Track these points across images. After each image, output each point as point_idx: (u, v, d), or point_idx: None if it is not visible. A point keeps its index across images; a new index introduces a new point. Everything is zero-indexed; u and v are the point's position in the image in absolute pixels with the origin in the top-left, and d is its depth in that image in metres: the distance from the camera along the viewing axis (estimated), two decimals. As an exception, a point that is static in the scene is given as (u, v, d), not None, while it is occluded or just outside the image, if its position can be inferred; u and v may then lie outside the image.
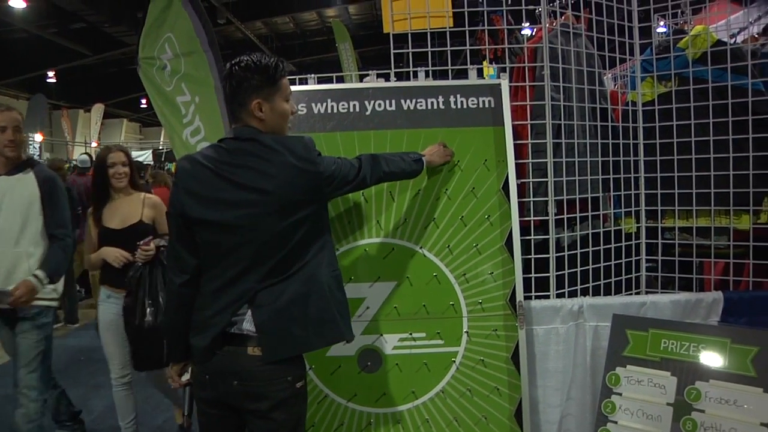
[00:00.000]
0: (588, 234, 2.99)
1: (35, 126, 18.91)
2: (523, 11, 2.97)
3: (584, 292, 2.95)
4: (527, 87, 2.95)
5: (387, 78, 2.90)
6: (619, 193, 3.09)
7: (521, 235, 2.74)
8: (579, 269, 2.95)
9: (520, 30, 3.23)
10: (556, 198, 2.90)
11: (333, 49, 14.41)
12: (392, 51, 2.97)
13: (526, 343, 2.71)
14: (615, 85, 3.98)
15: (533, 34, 3.31)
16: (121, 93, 21.87)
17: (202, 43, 3.66)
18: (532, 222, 2.88)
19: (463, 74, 2.90)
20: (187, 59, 3.72)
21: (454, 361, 2.72)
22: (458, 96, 2.77)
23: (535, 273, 2.85)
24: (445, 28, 2.93)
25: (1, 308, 2.97)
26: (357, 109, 2.75)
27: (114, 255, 3.26)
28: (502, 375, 2.71)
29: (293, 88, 2.20)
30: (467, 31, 2.95)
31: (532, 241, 2.86)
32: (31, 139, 18.60)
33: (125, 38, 16.86)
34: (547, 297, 2.87)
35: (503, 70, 2.91)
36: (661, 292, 3.08)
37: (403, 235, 2.72)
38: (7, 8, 13.64)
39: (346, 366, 2.70)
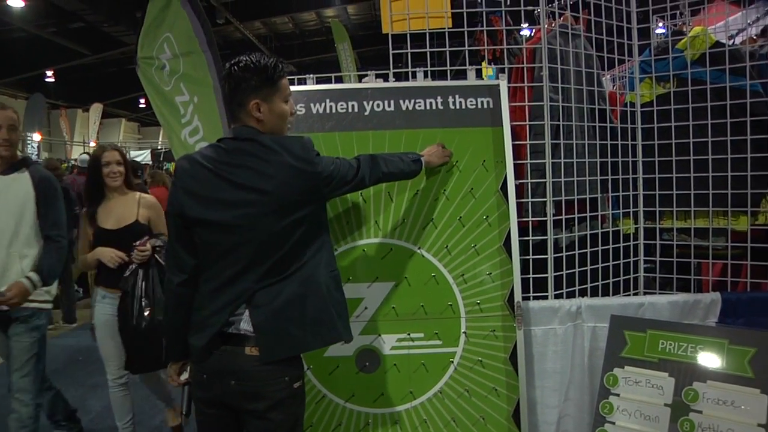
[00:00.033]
0: (586, 235, 2.99)
1: (33, 125, 18.89)
2: (522, 12, 2.97)
3: (582, 293, 2.95)
4: (526, 88, 2.95)
5: (386, 78, 2.90)
6: (617, 194, 3.09)
7: (520, 236, 2.74)
8: (577, 270, 2.95)
9: (518, 31, 3.23)
10: (555, 199, 2.90)
11: (332, 50, 14.42)
12: (391, 51, 2.97)
13: (524, 344, 2.71)
14: (614, 86, 3.99)
15: (532, 34, 3.31)
16: (119, 93, 21.85)
17: (201, 43, 3.66)
18: (530, 222, 2.88)
19: (461, 75, 2.90)
20: (186, 59, 3.72)
21: (452, 362, 2.72)
22: (457, 96, 2.77)
23: (533, 274, 2.86)
24: (444, 28, 2.93)
25: None
26: (356, 110, 2.75)
27: (109, 255, 3.23)
28: (500, 375, 2.71)
29: (292, 88, 2.20)
30: (466, 32, 2.95)
31: (531, 241, 2.86)
32: (29, 138, 18.58)
33: (124, 38, 16.85)
34: (546, 298, 2.87)
35: (502, 70, 2.91)
36: (659, 293, 3.08)
37: (402, 235, 2.72)
38: (6, 7, 13.63)
39: (344, 366, 2.70)
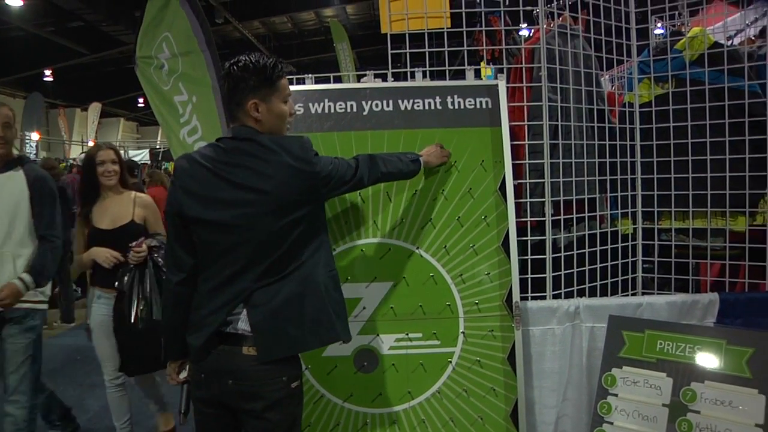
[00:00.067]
0: (585, 235, 2.99)
1: (32, 125, 18.87)
2: (521, 12, 2.98)
3: (581, 293, 2.96)
4: (524, 88, 2.95)
5: (384, 78, 2.90)
6: (615, 194, 3.10)
7: (518, 236, 2.74)
8: (575, 270, 2.95)
9: (517, 31, 3.24)
10: (553, 199, 2.90)
11: (331, 49, 14.43)
12: (390, 51, 2.97)
13: (522, 344, 2.71)
14: (612, 86, 3.99)
15: (531, 35, 3.31)
16: (118, 92, 21.86)
17: (200, 42, 3.66)
18: (528, 223, 2.88)
19: (460, 75, 2.90)
20: (185, 59, 3.72)
21: (451, 362, 2.72)
22: (455, 96, 2.77)
23: (531, 274, 2.86)
24: (443, 28, 2.93)
25: None
26: (354, 109, 2.75)
27: (104, 255, 3.19)
28: (498, 375, 2.71)
29: (290, 88, 2.19)
30: (465, 32, 2.95)
31: (529, 241, 2.87)
32: (27, 138, 18.55)
33: (123, 37, 16.86)
34: (544, 298, 2.87)
35: (500, 70, 2.91)
36: (658, 294, 3.08)
37: (400, 235, 2.72)
38: (5, 6, 13.64)
39: (342, 366, 2.70)
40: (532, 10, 2.98)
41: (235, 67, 2.03)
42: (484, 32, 3.08)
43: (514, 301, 2.70)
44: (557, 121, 2.92)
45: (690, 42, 3.03)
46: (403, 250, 2.72)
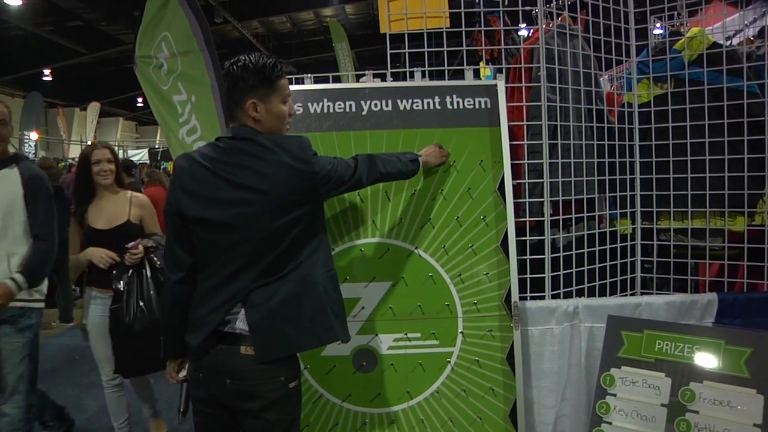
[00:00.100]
0: (583, 235, 2.99)
1: (31, 124, 18.86)
2: (520, 12, 2.98)
3: (579, 293, 2.96)
4: (523, 88, 2.95)
5: (383, 78, 2.89)
6: (614, 194, 3.10)
7: (517, 236, 2.74)
8: (574, 270, 2.95)
9: (516, 31, 3.24)
10: (552, 199, 2.90)
11: (330, 49, 14.43)
12: (389, 51, 2.97)
13: (521, 344, 2.71)
14: (611, 86, 3.99)
15: (530, 35, 3.31)
16: (117, 91, 21.85)
17: (199, 42, 3.66)
18: (527, 223, 2.88)
19: (459, 75, 2.90)
20: (184, 58, 3.71)
21: (449, 362, 2.72)
22: (454, 96, 2.77)
23: (530, 274, 2.86)
24: (442, 28, 2.93)
25: None
26: (353, 109, 2.75)
27: (100, 256, 3.15)
28: (497, 375, 2.71)
29: (290, 88, 2.19)
30: (464, 32, 2.95)
31: (528, 241, 2.87)
32: (26, 137, 18.54)
33: (122, 36, 16.85)
34: (543, 298, 2.87)
35: (500, 70, 2.91)
36: (656, 294, 3.09)
37: (399, 235, 2.72)
38: (3, 6, 13.63)
39: (341, 366, 2.70)
40: (531, 10, 2.98)
41: (234, 66, 2.03)
42: (483, 32, 3.08)
43: (512, 301, 2.70)
44: (556, 121, 2.92)
45: (689, 42, 3.04)
46: (402, 250, 2.72)
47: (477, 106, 2.77)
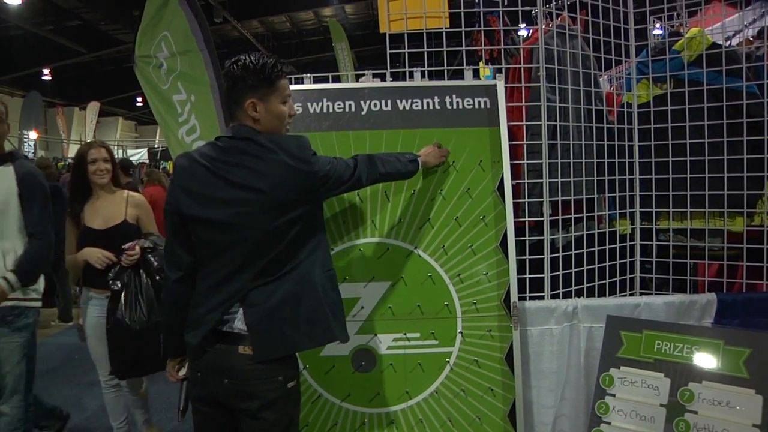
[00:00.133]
0: (583, 235, 2.99)
1: (30, 123, 18.85)
2: (520, 12, 2.98)
3: (578, 293, 2.96)
4: (523, 88, 2.95)
5: (383, 78, 2.89)
6: (614, 194, 3.10)
7: (516, 236, 2.74)
8: (573, 270, 2.95)
9: (516, 31, 3.24)
10: (551, 199, 2.90)
11: (329, 49, 14.43)
12: (388, 51, 2.97)
13: (520, 344, 2.71)
14: (611, 86, 4.00)
15: (529, 35, 3.31)
16: (116, 91, 21.85)
17: (198, 41, 3.65)
18: (527, 223, 2.88)
19: (459, 75, 2.90)
20: (183, 58, 3.71)
21: (448, 362, 2.72)
22: (454, 96, 2.77)
23: (529, 274, 2.86)
24: (442, 28, 2.93)
25: None
26: (353, 109, 2.75)
27: (96, 256, 3.09)
28: (496, 375, 2.71)
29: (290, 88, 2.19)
30: (463, 32, 2.95)
31: (527, 241, 2.87)
32: (26, 136, 18.53)
33: (121, 36, 16.86)
34: (542, 298, 2.87)
35: (499, 70, 2.91)
36: (655, 294, 3.09)
37: (398, 235, 2.72)
38: (3, 5, 13.63)
39: (340, 366, 2.70)
40: (531, 10, 2.98)
41: (235, 65, 2.03)
42: (482, 32, 3.08)
43: (512, 301, 2.70)
44: (556, 121, 2.92)
45: (688, 43, 3.04)
46: (402, 249, 2.72)
47: (476, 106, 2.77)
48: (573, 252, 2.95)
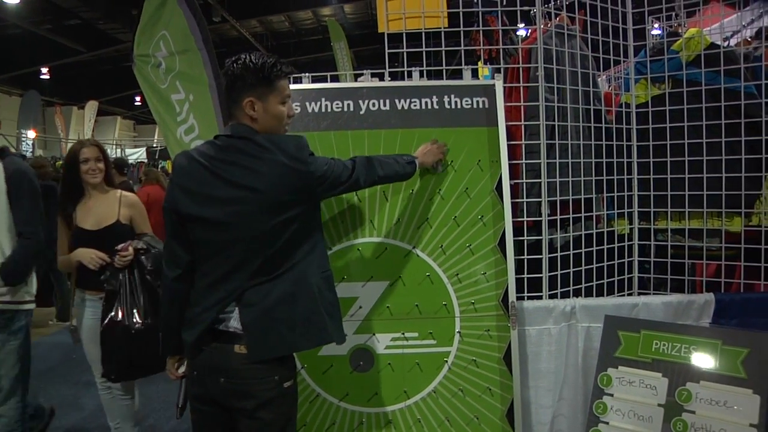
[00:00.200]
0: (581, 235, 3.00)
1: (28, 123, 18.84)
2: (518, 12, 2.98)
3: (577, 293, 2.96)
4: (521, 88, 2.95)
5: (381, 77, 2.89)
6: (612, 194, 3.10)
7: (514, 236, 2.74)
8: (572, 270, 2.95)
9: (515, 31, 3.24)
10: (550, 199, 2.90)
11: (328, 48, 14.42)
12: (387, 50, 2.97)
13: (518, 344, 2.72)
14: (609, 86, 4.00)
15: (528, 35, 3.32)
16: (115, 90, 21.85)
17: (197, 41, 3.65)
18: (525, 223, 2.88)
19: (457, 74, 2.90)
20: (182, 57, 3.70)
21: (447, 361, 2.72)
22: (452, 96, 2.77)
23: (527, 273, 2.86)
24: (440, 28, 2.93)
25: None
26: (351, 109, 2.75)
27: (89, 257, 3.01)
28: (494, 375, 2.72)
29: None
30: (462, 32, 2.95)
31: (525, 241, 2.87)
32: (23, 135, 18.52)
33: (120, 35, 16.86)
34: (540, 298, 2.87)
35: (498, 70, 2.91)
36: (653, 294, 3.09)
37: (397, 235, 2.72)
38: (1, 4, 13.62)
39: (338, 365, 2.70)
40: (530, 10, 2.98)
41: (235, 64, 2.03)
42: (481, 32, 3.08)
43: (510, 300, 2.70)
44: (554, 121, 2.92)
45: (687, 43, 3.04)
46: (400, 249, 2.72)
47: (475, 106, 2.77)
48: (571, 252, 2.95)
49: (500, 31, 3.02)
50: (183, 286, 2.12)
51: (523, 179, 2.91)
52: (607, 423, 2.61)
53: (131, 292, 2.98)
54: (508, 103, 2.93)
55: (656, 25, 3.32)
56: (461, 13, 2.94)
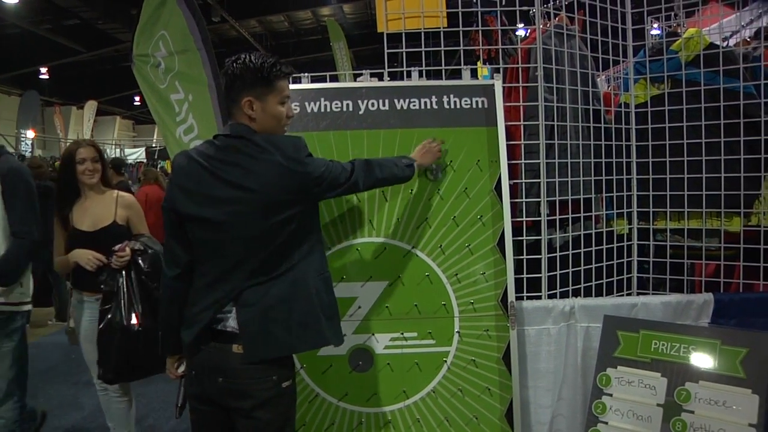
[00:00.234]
0: (580, 235, 3.00)
1: (27, 122, 18.84)
2: (517, 12, 2.98)
3: (576, 293, 2.96)
4: (521, 88, 2.95)
5: (381, 77, 2.89)
6: (611, 194, 3.10)
7: (513, 236, 2.75)
8: (571, 270, 2.95)
9: (514, 31, 3.24)
10: (549, 199, 2.90)
11: (327, 48, 14.41)
12: (386, 50, 2.96)
13: (517, 344, 2.72)
14: (608, 86, 4.00)
15: (527, 35, 3.32)
16: (114, 90, 21.85)
17: (196, 41, 3.65)
18: (524, 222, 2.88)
19: (457, 74, 2.90)
20: (181, 57, 3.70)
21: (446, 361, 2.72)
22: (451, 96, 2.77)
23: (527, 273, 2.86)
24: (440, 28, 2.93)
25: None
26: (350, 109, 2.75)
27: (87, 258, 2.98)
28: (493, 375, 2.72)
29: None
30: (461, 32, 2.95)
31: (524, 241, 2.87)
32: (23, 135, 18.51)
33: (119, 35, 16.86)
34: (539, 298, 2.87)
35: (497, 70, 2.91)
36: (653, 294, 3.09)
37: (396, 234, 2.72)
38: (1, 3, 13.60)
39: (337, 365, 2.70)
40: (529, 10, 2.98)
41: (235, 63, 2.03)
42: (480, 32, 3.08)
43: (509, 300, 2.70)
44: (553, 121, 2.92)
45: (686, 43, 3.04)
46: (399, 249, 2.72)
47: (474, 106, 2.77)
48: (570, 252, 2.95)
49: (499, 31, 3.02)
50: (182, 285, 2.12)
51: (522, 179, 2.91)
52: (606, 423, 2.61)
53: (128, 294, 2.96)
54: (508, 103, 2.93)
55: (655, 25, 3.32)
56: (460, 13, 2.94)
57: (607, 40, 3.06)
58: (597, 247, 3.03)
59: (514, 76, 3.02)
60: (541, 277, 2.87)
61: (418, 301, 2.71)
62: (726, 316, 2.82)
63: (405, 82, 2.85)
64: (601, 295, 3.01)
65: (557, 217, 2.93)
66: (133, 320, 2.92)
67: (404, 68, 2.92)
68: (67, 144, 20.88)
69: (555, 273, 2.90)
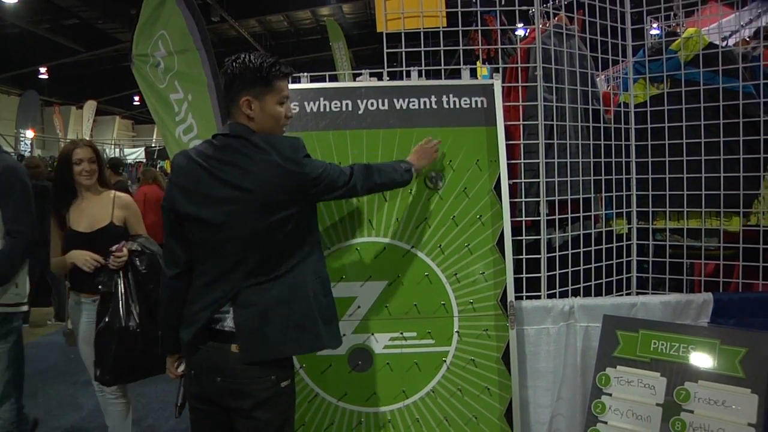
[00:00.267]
0: (579, 235, 3.00)
1: (27, 122, 18.81)
2: (517, 12, 2.98)
3: (575, 293, 2.96)
4: (520, 87, 2.95)
5: (380, 77, 2.89)
6: (610, 194, 3.10)
7: (513, 236, 2.75)
8: (570, 270, 2.95)
9: (513, 30, 3.24)
10: (548, 198, 2.90)
11: (327, 48, 14.40)
12: (386, 50, 2.96)
13: (516, 343, 2.72)
14: (608, 86, 4.00)
15: (526, 34, 3.32)
16: (113, 90, 21.82)
17: (195, 40, 3.64)
18: (523, 222, 2.88)
19: (456, 74, 2.90)
20: (181, 57, 3.70)
21: (445, 361, 2.72)
22: (451, 96, 2.77)
23: (526, 273, 2.86)
24: (439, 27, 2.93)
25: None
26: (350, 108, 2.75)
27: (84, 259, 2.96)
28: (492, 375, 2.72)
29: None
30: (461, 31, 2.95)
31: (524, 241, 2.87)
32: (22, 135, 18.49)
33: (118, 35, 16.85)
34: (538, 297, 2.87)
35: (496, 70, 2.91)
36: (652, 293, 3.09)
37: (395, 234, 2.72)
38: (0, 3, 13.59)
39: (336, 365, 2.70)
40: (528, 10, 2.98)
41: (234, 63, 2.03)
42: (480, 32, 3.08)
43: (508, 300, 2.70)
44: (552, 120, 2.92)
45: (685, 43, 3.04)
46: (398, 249, 2.72)
47: (474, 106, 2.77)
48: (570, 251, 2.95)
49: (499, 30, 3.02)
50: (181, 285, 2.12)
51: (521, 179, 2.91)
52: (606, 422, 2.61)
53: (126, 295, 2.94)
54: (507, 102, 2.93)
55: (655, 25, 3.32)
56: (460, 13, 2.94)
57: (607, 39, 3.07)
58: (596, 247, 3.03)
59: (514, 75, 3.02)
60: (540, 277, 2.87)
61: (417, 300, 2.71)
62: (725, 316, 2.82)
63: (404, 82, 2.85)
64: (601, 295, 3.01)
65: (556, 216, 2.93)
66: (131, 321, 2.90)
67: (403, 68, 2.92)
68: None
69: (554, 273, 2.90)
